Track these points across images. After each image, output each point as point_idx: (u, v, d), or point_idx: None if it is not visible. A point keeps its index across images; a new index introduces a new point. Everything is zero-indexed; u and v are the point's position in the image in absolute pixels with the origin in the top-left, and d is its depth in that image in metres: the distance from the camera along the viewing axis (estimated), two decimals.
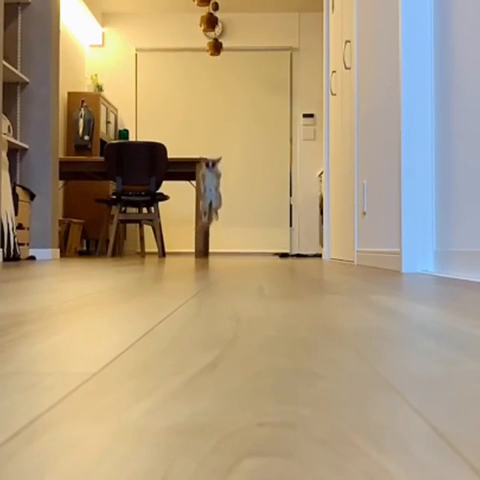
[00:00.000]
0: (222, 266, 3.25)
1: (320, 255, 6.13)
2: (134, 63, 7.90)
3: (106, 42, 7.86)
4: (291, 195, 7.93)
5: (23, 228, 4.24)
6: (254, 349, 0.66)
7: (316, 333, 0.78)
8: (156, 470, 0.30)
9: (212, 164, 5.14)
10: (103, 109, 7.03)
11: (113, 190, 5.55)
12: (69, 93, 6.75)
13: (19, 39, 4.44)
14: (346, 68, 4.27)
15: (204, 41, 7.34)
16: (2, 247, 3.75)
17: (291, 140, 7.93)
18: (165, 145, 5.19)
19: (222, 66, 7.75)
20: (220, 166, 5.24)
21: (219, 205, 5.22)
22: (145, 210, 5.72)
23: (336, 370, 0.55)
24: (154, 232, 5.45)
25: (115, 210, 5.25)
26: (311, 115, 7.90)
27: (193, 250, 5.30)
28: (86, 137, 6.61)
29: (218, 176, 5.18)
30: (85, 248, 6.75)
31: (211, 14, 6.21)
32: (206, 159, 5.25)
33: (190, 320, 0.92)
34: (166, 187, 6.08)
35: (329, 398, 0.44)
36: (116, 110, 7.74)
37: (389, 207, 2.96)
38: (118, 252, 6.25)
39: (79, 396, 0.44)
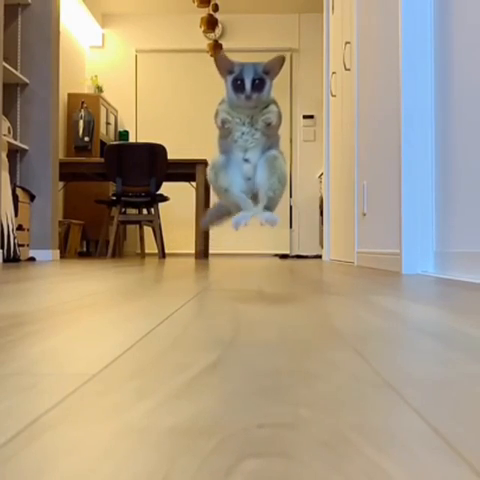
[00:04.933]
0: (222, 267, 3.25)
1: (320, 256, 6.13)
2: (134, 64, 7.90)
3: (106, 43, 7.86)
4: (291, 196, 7.93)
5: (23, 229, 4.24)
6: (254, 350, 0.66)
7: (316, 334, 0.78)
8: (157, 470, 0.30)
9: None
10: (103, 110, 7.03)
11: (113, 191, 5.55)
12: (69, 94, 6.75)
13: (19, 40, 4.44)
14: (346, 69, 4.27)
15: (204, 42, 7.34)
16: (2, 248, 3.75)
17: (291, 141, 7.93)
18: (165, 146, 5.20)
19: None
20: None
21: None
22: (145, 211, 5.72)
23: (336, 371, 0.55)
24: (154, 233, 5.45)
25: (115, 211, 5.25)
26: (311, 116, 7.90)
27: (193, 251, 5.30)
28: (86, 138, 6.61)
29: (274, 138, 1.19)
30: (85, 249, 6.75)
31: (211, 15, 6.21)
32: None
33: (190, 321, 0.92)
34: (166, 188, 6.08)
35: (329, 399, 0.44)
36: (116, 111, 7.73)
37: (389, 208, 2.95)
38: (118, 253, 6.25)
39: (79, 397, 0.44)
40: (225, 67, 1.10)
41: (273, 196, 1.13)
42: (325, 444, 0.34)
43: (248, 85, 1.06)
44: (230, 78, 1.09)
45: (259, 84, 1.06)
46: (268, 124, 1.10)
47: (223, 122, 1.10)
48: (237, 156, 1.12)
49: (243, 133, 1.10)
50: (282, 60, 1.10)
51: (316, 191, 7.72)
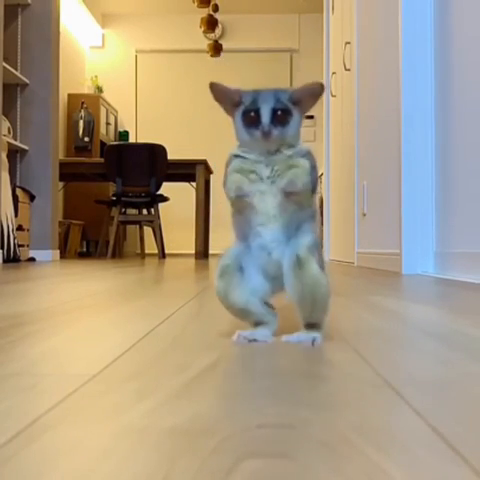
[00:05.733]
0: None
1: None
2: (134, 64, 7.90)
3: (106, 43, 7.85)
4: None
5: (23, 229, 4.24)
6: (254, 350, 0.66)
7: None
8: (157, 471, 0.30)
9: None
10: (103, 110, 7.02)
11: (113, 191, 5.55)
12: (69, 94, 6.74)
13: (19, 40, 4.44)
14: (346, 69, 4.27)
15: (204, 42, 7.34)
16: (2, 248, 3.75)
17: None
18: (165, 146, 5.20)
19: (222, 68, 7.75)
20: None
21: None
22: (145, 211, 5.72)
23: (336, 371, 0.55)
24: (154, 233, 5.45)
25: (115, 211, 5.24)
26: (311, 116, 7.90)
27: (193, 251, 5.30)
28: (86, 138, 6.60)
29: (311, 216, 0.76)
30: (85, 249, 6.75)
31: (211, 15, 6.21)
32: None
33: (190, 321, 0.92)
34: (166, 188, 6.09)
35: (329, 399, 0.44)
36: (116, 111, 7.73)
37: (389, 208, 2.95)
38: (118, 253, 6.25)
39: (79, 397, 0.44)
40: (229, 99, 0.76)
41: (311, 316, 0.71)
42: (325, 444, 0.34)
43: (266, 116, 0.71)
44: (239, 111, 0.73)
45: (282, 116, 0.71)
46: (289, 192, 0.70)
47: (239, 196, 0.71)
48: (258, 236, 0.73)
49: (262, 193, 0.71)
50: (320, 89, 0.76)
51: None
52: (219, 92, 0.77)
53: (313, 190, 0.73)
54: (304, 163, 0.73)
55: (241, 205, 0.72)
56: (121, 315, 0.98)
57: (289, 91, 0.74)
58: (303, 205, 0.73)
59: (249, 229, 0.73)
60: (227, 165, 0.73)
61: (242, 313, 0.73)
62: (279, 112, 0.71)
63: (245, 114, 0.72)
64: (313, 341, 0.69)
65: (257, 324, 0.73)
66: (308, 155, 0.74)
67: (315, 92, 0.75)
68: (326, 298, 0.71)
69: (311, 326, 0.71)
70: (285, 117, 0.72)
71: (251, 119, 0.72)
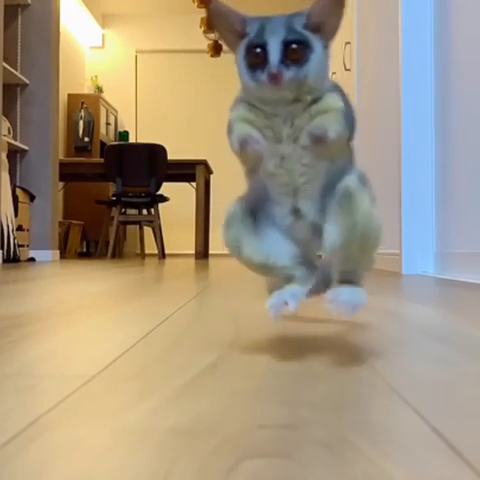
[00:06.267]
0: (222, 268, 3.25)
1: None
2: (134, 64, 7.90)
3: (106, 44, 7.85)
4: None
5: (23, 229, 4.24)
6: (254, 350, 0.66)
7: (316, 335, 0.78)
8: (157, 471, 0.30)
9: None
10: (103, 111, 7.02)
11: (113, 191, 5.55)
12: (69, 95, 6.74)
13: (19, 41, 4.44)
14: (346, 70, 4.27)
15: (204, 43, 7.33)
16: (2, 248, 3.75)
17: None
18: (165, 146, 5.20)
19: (222, 67, 7.75)
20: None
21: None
22: (145, 211, 5.71)
23: (336, 372, 0.55)
24: (154, 233, 5.45)
25: (115, 211, 5.24)
26: None
27: (193, 251, 5.30)
28: (86, 139, 6.60)
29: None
30: (85, 250, 6.75)
31: None
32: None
33: (190, 321, 0.92)
34: (166, 188, 6.08)
35: (329, 400, 0.44)
36: (116, 112, 7.73)
37: (389, 208, 2.95)
38: (118, 254, 6.25)
39: (79, 398, 0.44)
40: (231, 26, 0.55)
41: (353, 268, 0.62)
42: (326, 444, 0.34)
43: (275, 53, 0.52)
44: (242, 45, 0.54)
45: (298, 51, 0.52)
46: (318, 140, 0.53)
47: (243, 144, 0.54)
48: (277, 204, 0.59)
49: (283, 158, 0.56)
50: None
51: None
52: (220, 15, 0.55)
53: (350, 137, 0.56)
54: (335, 102, 0.55)
55: (249, 160, 0.57)
56: (121, 315, 0.98)
57: (304, 12, 0.53)
58: (342, 153, 0.57)
59: (267, 195, 0.59)
60: (232, 112, 0.57)
61: (264, 269, 0.60)
62: (293, 45, 0.52)
63: (249, 51, 0.53)
64: (349, 301, 0.59)
65: (287, 280, 0.60)
66: (337, 89, 0.58)
67: (336, 4, 0.53)
68: (377, 242, 0.58)
69: (346, 281, 0.60)
70: (302, 52, 0.52)
71: (256, 58, 0.53)
